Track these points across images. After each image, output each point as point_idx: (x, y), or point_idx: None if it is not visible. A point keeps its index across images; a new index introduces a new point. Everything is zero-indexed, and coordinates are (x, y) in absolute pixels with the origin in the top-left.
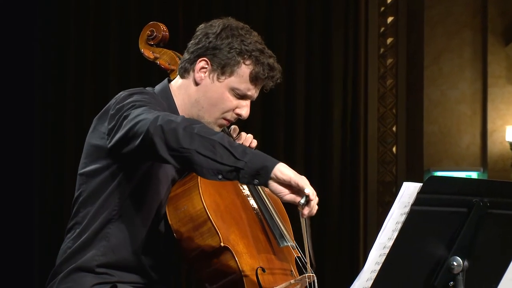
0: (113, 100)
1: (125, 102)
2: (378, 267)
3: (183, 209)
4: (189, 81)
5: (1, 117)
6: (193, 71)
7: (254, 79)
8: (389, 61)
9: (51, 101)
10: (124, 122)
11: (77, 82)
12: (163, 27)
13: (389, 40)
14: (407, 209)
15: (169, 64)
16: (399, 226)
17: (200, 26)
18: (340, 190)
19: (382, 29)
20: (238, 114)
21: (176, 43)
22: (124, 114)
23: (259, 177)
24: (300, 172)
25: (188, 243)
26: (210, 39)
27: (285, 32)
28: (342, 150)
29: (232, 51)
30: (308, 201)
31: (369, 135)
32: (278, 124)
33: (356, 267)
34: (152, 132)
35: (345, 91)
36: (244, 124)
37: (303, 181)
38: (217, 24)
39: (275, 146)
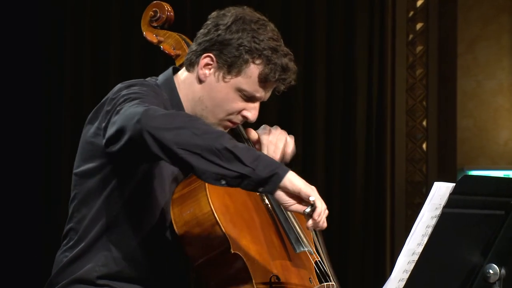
0: (109, 93)
1: (119, 95)
2: (406, 276)
3: (189, 212)
4: (193, 76)
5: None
6: (198, 65)
7: (263, 80)
8: (419, 48)
9: (47, 93)
10: (114, 118)
11: (75, 72)
12: (167, 7)
13: (418, 26)
14: (438, 212)
15: (174, 49)
16: (430, 230)
17: (212, 14)
18: (364, 191)
19: (411, 13)
20: (244, 117)
21: (183, 28)
22: (117, 109)
23: (266, 185)
24: (320, 171)
25: (195, 249)
26: (219, 31)
27: (303, 16)
28: (366, 146)
29: (241, 48)
30: (313, 210)
31: (397, 130)
32: (296, 118)
33: (382, 275)
34: (141, 127)
35: (370, 82)
36: (259, 118)
37: (313, 193)
38: (229, 14)
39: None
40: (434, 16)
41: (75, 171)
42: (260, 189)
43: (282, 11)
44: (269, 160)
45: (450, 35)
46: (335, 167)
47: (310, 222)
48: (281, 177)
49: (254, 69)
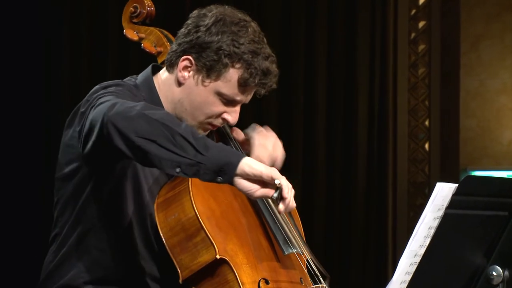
0: (86, 96)
1: (94, 96)
2: (408, 278)
3: (173, 216)
4: (172, 78)
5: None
6: (177, 67)
7: (243, 84)
8: (421, 47)
9: (44, 93)
10: (88, 117)
11: (72, 70)
12: (147, 1)
13: (421, 24)
14: (440, 213)
15: (155, 46)
16: (432, 231)
17: (193, 12)
18: (366, 191)
19: (413, 11)
20: (224, 120)
21: (181, 24)
22: (91, 107)
23: (223, 174)
24: (321, 172)
25: (181, 256)
26: (199, 33)
27: (304, 15)
28: (368, 147)
29: (220, 52)
30: (281, 194)
31: (399, 130)
32: (296, 118)
33: (384, 277)
34: (106, 120)
35: (372, 81)
36: (258, 119)
37: (276, 174)
38: (210, 15)
39: (293, 144)
40: (437, 14)
41: (56, 175)
42: (218, 179)
43: (282, 10)
44: (224, 148)
45: (453, 34)
46: (336, 167)
47: (280, 205)
48: (235, 163)
49: (233, 74)
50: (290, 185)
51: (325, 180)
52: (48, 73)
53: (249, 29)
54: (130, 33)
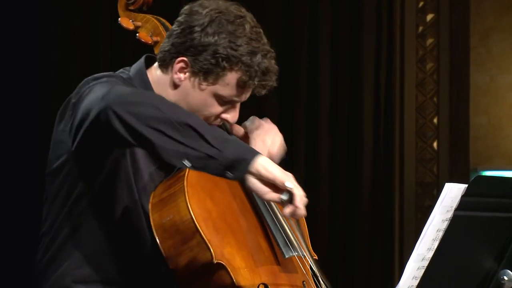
0: (76, 89)
1: (86, 87)
2: (415, 282)
3: (168, 218)
4: (167, 79)
5: None
6: (172, 69)
7: (242, 86)
8: (429, 41)
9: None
10: (80, 106)
11: (63, 66)
12: None
13: (429, 17)
14: (449, 215)
15: (151, 36)
16: (441, 234)
17: (185, 8)
18: (371, 192)
19: (421, 3)
20: (223, 119)
21: (177, 14)
22: (83, 96)
23: (234, 170)
24: (325, 172)
25: (177, 259)
26: (194, 35)
27: (307, 7)
28: (374, 146)
29: (217, 55)
30: (291, 198)
31: (406, 128)
32: (298, 115)
33: (390, 282)
34: (106, 103)
35: (378, 77)
36: (260, 114)
37: (289, 179)
38: (204, 13)
39: (295, 142)
40: (446, 6)
41: (46, 171)
42: (228, 175)
43: (284, 4)
44: (240, 144)
45: (462, 27)
46: (341, 167)
47: (287, 210)
48: (249, 161)
49: (232, 77)
50: (302, 194)
51: (329, 181)
52: (46, 74)
53: (246, 26)
54: (125, 22)
